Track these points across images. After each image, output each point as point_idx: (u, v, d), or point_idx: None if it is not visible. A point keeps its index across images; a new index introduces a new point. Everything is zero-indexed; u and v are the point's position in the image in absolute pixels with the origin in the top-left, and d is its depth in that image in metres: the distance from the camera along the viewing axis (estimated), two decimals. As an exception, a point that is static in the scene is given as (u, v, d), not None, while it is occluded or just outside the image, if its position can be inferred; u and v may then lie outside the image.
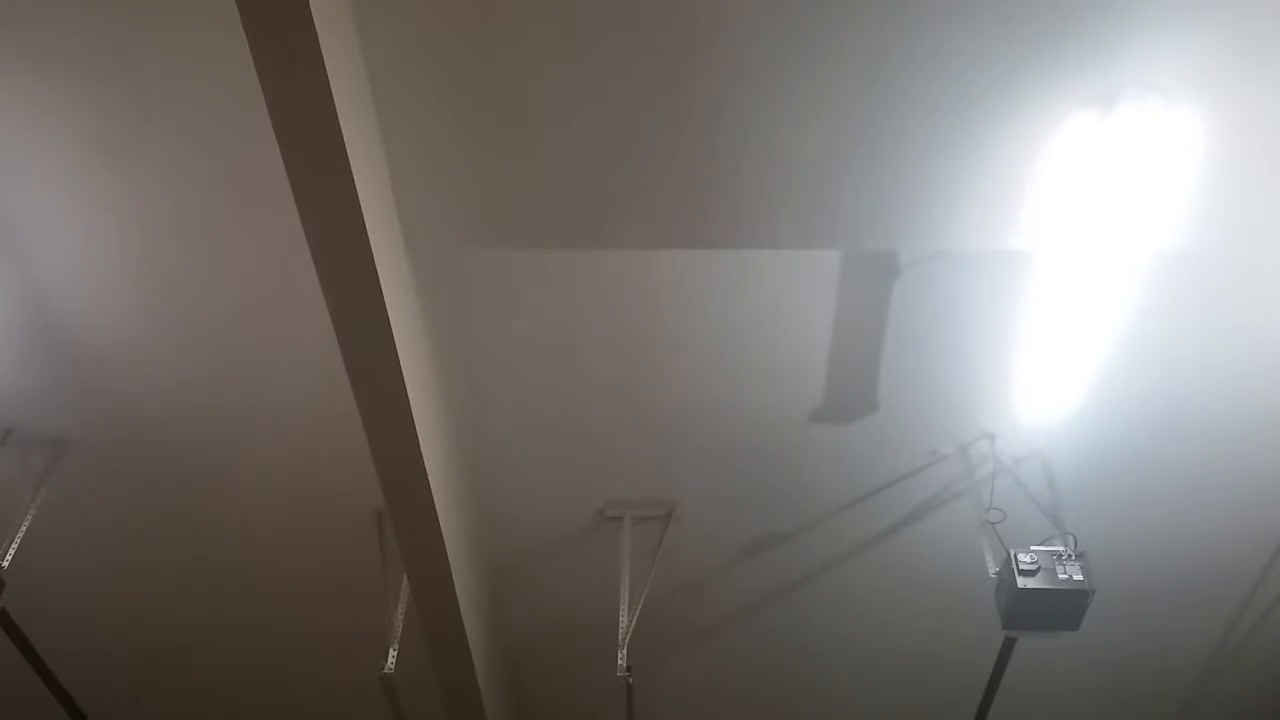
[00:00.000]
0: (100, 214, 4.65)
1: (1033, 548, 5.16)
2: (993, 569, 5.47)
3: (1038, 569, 5.08)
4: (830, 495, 6.12)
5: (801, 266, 4.87)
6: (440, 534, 4.82)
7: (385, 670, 5.70)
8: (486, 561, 6.36)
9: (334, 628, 7.03)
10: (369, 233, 3.65)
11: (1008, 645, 5.80)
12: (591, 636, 6.63)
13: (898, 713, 8.11)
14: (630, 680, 5.81)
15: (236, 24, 3.09)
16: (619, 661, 5.78)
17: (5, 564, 5.42)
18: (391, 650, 5.74)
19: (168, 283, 4.93)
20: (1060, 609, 5.14)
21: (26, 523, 5.62)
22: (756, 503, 6.17)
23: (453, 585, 5.11)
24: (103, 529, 6.39)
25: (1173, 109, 4.03)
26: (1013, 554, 5.12)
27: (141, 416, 5.62)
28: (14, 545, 5.52)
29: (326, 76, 3.22)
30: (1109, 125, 4.07)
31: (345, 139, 3.38)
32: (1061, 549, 5.16)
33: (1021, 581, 5.06)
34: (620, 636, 5.86)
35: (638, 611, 5.99)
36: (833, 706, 8.06)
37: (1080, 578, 5.06)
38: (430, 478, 4.58)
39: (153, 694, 7.94)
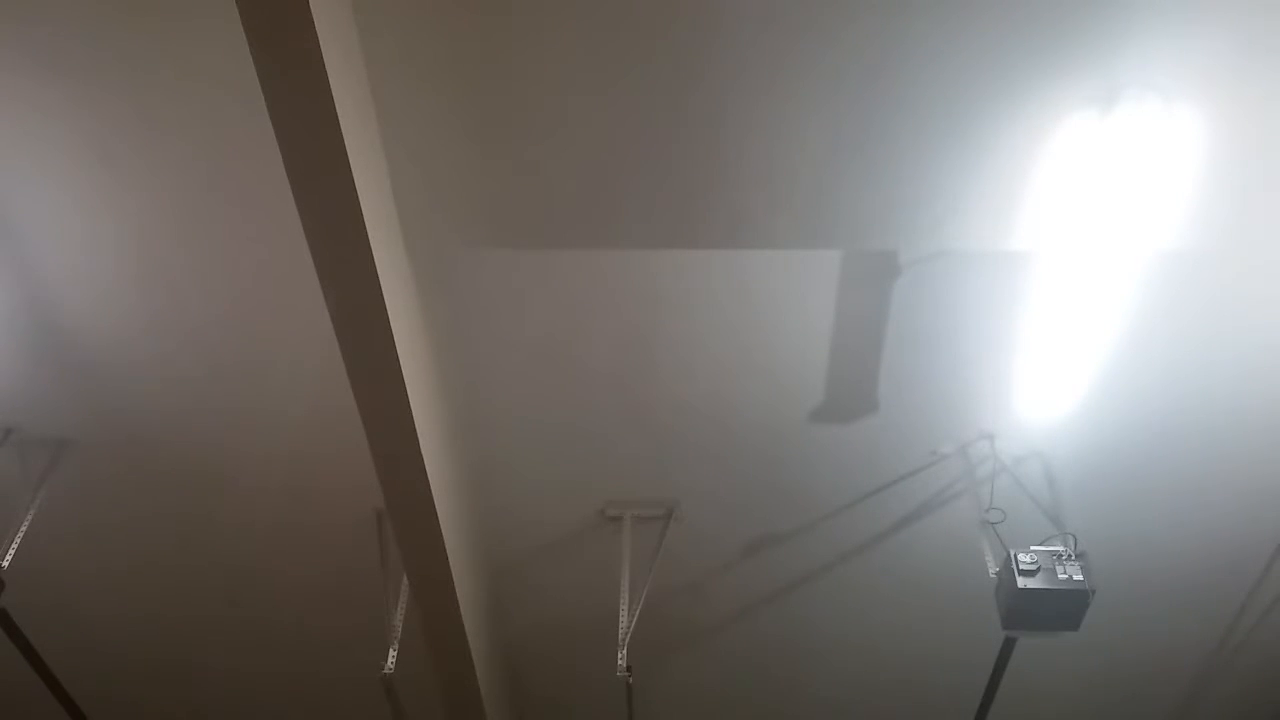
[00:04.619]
0: (100, 214, 4.65)
1: (1033, 548, 5.16)
2: (993, 569, 5.46)
3: (1038, 569, 5.08)
4: (830, 495, 6.12)
5: (801, 266, 4.87)
6: (440, 534, 4.82)
7: (385, 670, 5.70)
8: (486, 561, 6.36)
9: (334, 628, 7.03)
10: (369, 233, 3.65)
11: (1008, 645, 5.79)
12: (591, 636, 6.63)
13: (897, 713, 8.11)
14: (630, 680, 5.81)
15: (237, 24, 3.09)
16: (619, 661, 5.78)
17: (5, 564, 5.42)
18: (391, 650, 5.74)
19: (167, 283, 4.93)
20: (1060, 609, 5.13)
21: (26, 523, 5.62)
22: (756, 503, 6.17)
23: (453, 585, 5.11)
24: (103, 529, 6.39)
25: (1173, 109, 4.03)
26: (1013, 554, 5.12)
27: (141, 416, 5.62)
28: (14, 545, 5.52)
29: (327, 77, 3.22)
30: (1109, 125, 4.07)
31: (345, 139, 3.38)
32: (1061, 549, 5.16)
33: (1021, 581, 5.06)
34: (620, 636, 5.86)
35: (638, 611, 5.98)
36: (832, 706, 8.06)
37: (1080, 578, 5.06)
38: (430, 478, 4.58)
39: (153, 694, 7.93)
